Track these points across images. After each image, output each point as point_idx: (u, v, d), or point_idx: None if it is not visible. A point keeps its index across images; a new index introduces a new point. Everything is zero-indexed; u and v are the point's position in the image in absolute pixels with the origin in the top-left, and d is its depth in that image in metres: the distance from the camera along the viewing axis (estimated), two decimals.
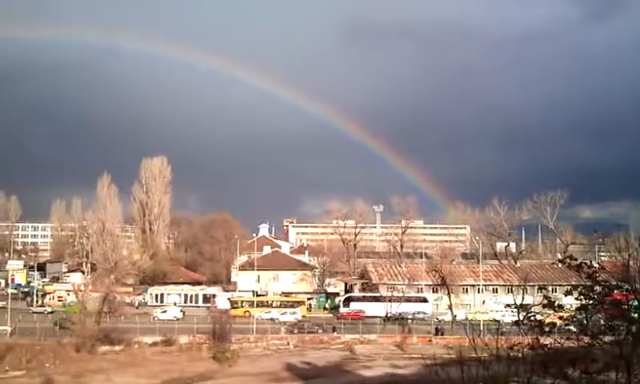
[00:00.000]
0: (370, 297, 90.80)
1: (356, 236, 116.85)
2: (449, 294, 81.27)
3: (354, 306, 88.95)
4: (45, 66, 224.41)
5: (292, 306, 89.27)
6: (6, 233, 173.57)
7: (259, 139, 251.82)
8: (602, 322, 13.27)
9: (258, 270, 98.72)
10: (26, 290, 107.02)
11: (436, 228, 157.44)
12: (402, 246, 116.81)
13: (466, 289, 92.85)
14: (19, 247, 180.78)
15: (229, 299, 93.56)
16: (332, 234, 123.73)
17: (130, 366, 54.87)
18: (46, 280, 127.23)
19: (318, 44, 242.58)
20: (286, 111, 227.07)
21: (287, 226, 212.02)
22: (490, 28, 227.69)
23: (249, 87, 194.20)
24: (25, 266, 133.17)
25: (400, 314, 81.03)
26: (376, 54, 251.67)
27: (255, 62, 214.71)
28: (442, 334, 70.14)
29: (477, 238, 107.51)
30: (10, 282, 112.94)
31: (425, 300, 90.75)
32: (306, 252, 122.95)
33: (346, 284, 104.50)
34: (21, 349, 57.52)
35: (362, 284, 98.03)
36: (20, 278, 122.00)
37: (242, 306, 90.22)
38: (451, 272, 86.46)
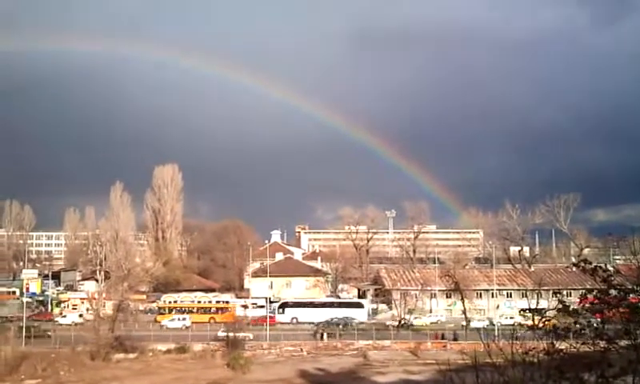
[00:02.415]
0: (303, 303, 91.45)
1: (368, 241, 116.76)
2: (462, 299, 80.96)
3: (289, 312, 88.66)
4: (57, 76, 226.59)
5: (210, 312, 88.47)
6: (21, 242, 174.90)
7: (271, 146, 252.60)
8: (618, 326, 13.18)
9: (270, 276, 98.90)
10: (41, 298, 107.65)
11: (449, 233, 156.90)
12: (414, 251, 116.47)
13: (480, 293, 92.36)
14: (34, 256, 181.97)
15: (157, 306, 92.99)
16: (344, 239, 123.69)
17: (145, 374, 55.05)
18: (61, 288, 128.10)
19: (328, 52, 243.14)
20: (297, 118, 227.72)
21: (299, 232, 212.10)
22: (500, 31, 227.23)
23: (260, 95, 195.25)
24: (39, 274, 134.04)
25: (326, 320, 79.69)
26: (386, 60, 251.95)
27: (266, 71, 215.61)
28: (457, 340, 69.83)
29: (490, 242, 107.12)
30: (24, 290, 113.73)
31: (360, 305, 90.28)
32: (319, 258, 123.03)
33: (358, 290, 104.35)
34: (36, 357, 57.89)
35: (375, 290, 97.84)
36: (35, 287, 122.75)
37: (170, 313, 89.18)
38: (464, 277, 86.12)
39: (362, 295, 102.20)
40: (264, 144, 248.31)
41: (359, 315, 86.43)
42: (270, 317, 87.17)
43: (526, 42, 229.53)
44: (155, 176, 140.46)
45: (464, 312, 79.64)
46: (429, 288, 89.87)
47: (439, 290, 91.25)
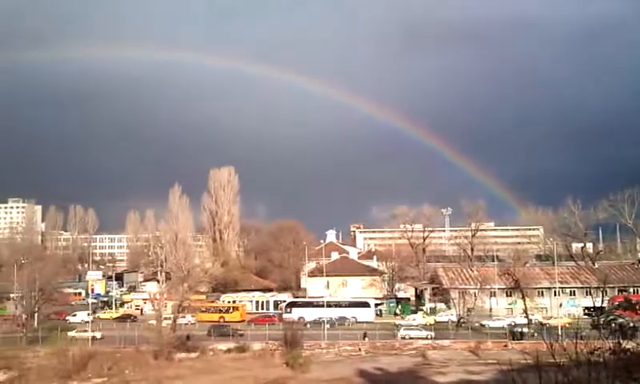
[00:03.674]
0: (310, 303, 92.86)
1: (424, 240, 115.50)
2: (523, 297, 79.28)
3: (296, 311, 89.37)
4: (118, 84, 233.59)
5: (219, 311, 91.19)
6: (85, 244, 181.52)
7: (325, 146, 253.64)
8: None
9: (326, 276, 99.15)
10: (105, 299, 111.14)
11: (507, 230, 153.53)
12: (472, 249, 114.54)
13: (542, 292, 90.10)
14: (97, 258, 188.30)
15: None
16: (400, 238, 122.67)
17: (206, 373, 56.10)
18: (124, 289, 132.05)
19: (381, 51, 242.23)
20: (352, 118, 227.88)
21: (354, 231, 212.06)
22: (559, 24, 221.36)
23: (315, 97, 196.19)
24: (103, 276, 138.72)
25: (326, 319, 79.91)
26: (441, 56, 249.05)
27: (321, 73, 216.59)
28: (520, 339, 68.41)
29: (551, 239, 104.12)
30: (90, 291, 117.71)
31: (367, 305, 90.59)
32: (374, 257, 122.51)
33: (416, 289, 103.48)
34: (102, 356, 59.87)
35: (433, 289, 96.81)
36: (99, 288, 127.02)
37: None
38: (525, 274, 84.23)
39: (419, 294, 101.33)
40: (319, 144, 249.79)
41: (366, 315, 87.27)
42: (270, 317, 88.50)
43: (587, 35, 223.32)
44: (211, 178, 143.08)
45: (525, 311, 77.94)
46: (488, 286, 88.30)
47: (499, 289, 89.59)
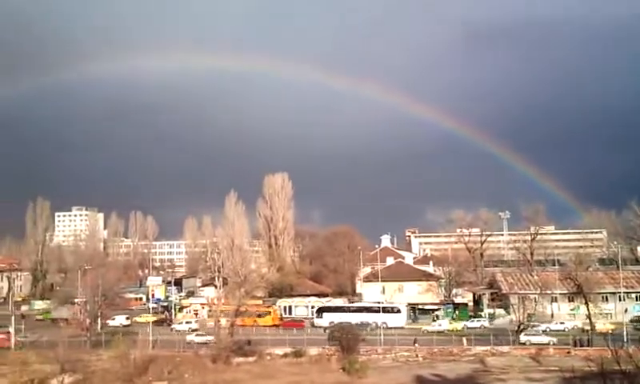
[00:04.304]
0: (340, 308, 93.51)
1: (482, 244, 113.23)
2: (586, 302, 76.71)
3: (326, 316, 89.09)
4: (174, 94, 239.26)
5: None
6: (145, 251, 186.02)
7: (379, 150, 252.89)
8: None
9: (382, 281, 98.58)
10: (165, 304, 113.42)
11: (569, 233, 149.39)
12: (532, 254, 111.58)
13: (606, 297, 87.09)
14: (157, 264, 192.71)
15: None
16: (456, 243, 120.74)
17: (264, 377, 56.51)
18: (183, 294, 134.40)
19: (436, 52, 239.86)
20: (406, 121, 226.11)
21: (409, 236, 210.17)
22: (618, 22, 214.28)
23: (369, 101, 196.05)
24: (163, 281, 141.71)
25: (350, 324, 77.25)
26: (495, 57, 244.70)
27: (374, 77, 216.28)
28: (582, 346, 66.27)
29: (615, 242, 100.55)
30: (150, 297, 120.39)
31: (397, 311, 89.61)
32: (430, 262, 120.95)
33: (474, 294, 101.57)
34: (162, 360, 61.11)
35: (491, 294, 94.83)
36: (159, 293, 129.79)
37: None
38: (588, 279, 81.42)
39: (477, 300, 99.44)
40: (373, 149, 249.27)
41: (396, 320, 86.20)
42: (299, 322, 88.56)
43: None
44: (266, 185, 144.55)
45: (588, 316, 75.46)
46: (549, 292, 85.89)
47: (560, 294, 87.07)
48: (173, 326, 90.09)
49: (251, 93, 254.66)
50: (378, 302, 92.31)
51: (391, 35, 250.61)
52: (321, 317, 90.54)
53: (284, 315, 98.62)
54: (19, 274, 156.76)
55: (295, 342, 70.82)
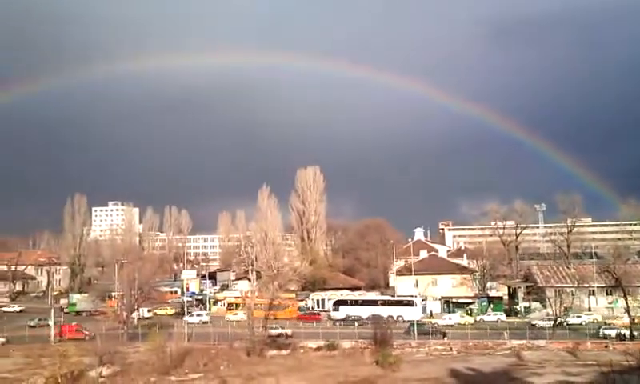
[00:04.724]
0: (357, 301, 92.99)
1: (517, 237, 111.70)
2: (625, 296, 75.13)
3: (343, 309, 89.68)
4: (209, 90, 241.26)
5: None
6: (180, 245, 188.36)
7: (411, 143, 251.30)
8: None
9: (415, 274, 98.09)
10: (200, 297, 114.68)
11: (606, 225, 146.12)
12: (568, 246, 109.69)
13: None
14: (192, 258, 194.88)
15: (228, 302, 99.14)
16: (491, 235, 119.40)
17: (297, 370, 56.72)
18: (217, 288, 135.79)
19: (468, 44, 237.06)
20: (440, 113, 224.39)
21: (443, 229, 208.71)
22: None
23: (400, 93, 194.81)
24: (197, 275, 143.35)
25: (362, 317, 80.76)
26: (527, 50, 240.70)
27: (407, 70, 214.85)
28: (622, 339, 64.99)
29: None
30: (185, 290, 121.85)
31: (412, 304, 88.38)
32: (464, 255, 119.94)
33: (509, 287, 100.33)
34: (198, 353, 61.85)
35: (527, 287, 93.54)
36: (194, 287, 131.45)
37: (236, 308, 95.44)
38: (626, 272, 79.67)
39: (512, 293, 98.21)
40: (405, 142, 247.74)
41: (412, 314, 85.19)
42: (314, 314, 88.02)
43: None
44: (298, 178, 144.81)
45: (627, 310, 73.91)
46: (586, 285, 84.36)
47: (598, 287, 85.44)
48: (184, 319, 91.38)
49: (284, 88, 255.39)
50: (412, 295, 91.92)
51: (424, 30, 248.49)
52: (337, 310, 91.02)
53: (317, 309, 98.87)
54: (58, 268, 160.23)
55: (328, 335, 71.03)
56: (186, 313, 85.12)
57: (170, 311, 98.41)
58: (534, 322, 79.84)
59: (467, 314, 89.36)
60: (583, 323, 78.22)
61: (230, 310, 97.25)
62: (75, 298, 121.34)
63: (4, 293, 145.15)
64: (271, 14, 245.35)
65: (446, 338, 69.17)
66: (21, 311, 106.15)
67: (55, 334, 74.10)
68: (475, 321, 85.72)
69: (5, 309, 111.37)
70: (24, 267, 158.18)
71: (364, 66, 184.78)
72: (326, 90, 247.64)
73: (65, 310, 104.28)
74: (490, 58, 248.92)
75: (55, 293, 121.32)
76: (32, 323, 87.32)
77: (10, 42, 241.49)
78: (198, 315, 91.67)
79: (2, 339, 74.20)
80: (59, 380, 50.20)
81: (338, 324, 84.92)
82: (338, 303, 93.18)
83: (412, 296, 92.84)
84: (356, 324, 79.97)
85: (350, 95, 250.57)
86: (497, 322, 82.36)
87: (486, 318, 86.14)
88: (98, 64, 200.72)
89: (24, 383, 51.79)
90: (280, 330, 73.12)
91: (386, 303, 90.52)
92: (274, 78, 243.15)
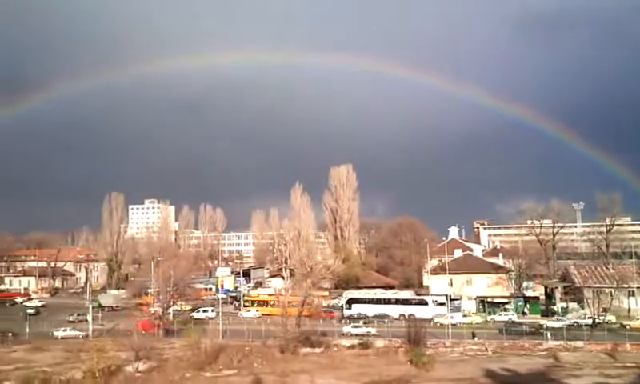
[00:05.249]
0: (369, 299, 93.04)
1: (554, 236, 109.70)
2: None
3: (355, 307, 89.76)
4: (240, 88, 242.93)
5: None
6: (215, 242, 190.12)
7: (446, 141, 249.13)
8: None
9: (449, 273, 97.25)
10: (234, 294, 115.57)
11: None
12: (607, 246, 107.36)
13: None
14: (226, 255, 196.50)
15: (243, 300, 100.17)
16: (527, 234, 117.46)
17: (331, 368, 56.75)
18: (251, 285, 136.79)
19: (503, 41, 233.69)
20: (475, 112, 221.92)
21: (478, 227, 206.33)
22: None
23: (435, 92, 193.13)
24: (232, 272, 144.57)
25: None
26: (561, 44, 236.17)
27: (441, 67, 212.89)
28: None
29: None
30: (220, 287, 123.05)
31: (425, 303, 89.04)
32: (500, 254, 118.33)
33: (545, 288, 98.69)
34: (232, 349, 62.35)
35: (564, 287, 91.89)
36: (229, 284, 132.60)
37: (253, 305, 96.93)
38: None
39: (549, 293, 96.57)
40: (439, 140, 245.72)
41: (424, 312, 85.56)
42: (330, 312, 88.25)
43: None
44: (331, 176, 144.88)
45: None
46: (625, 285, 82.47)
47: (638, 288, 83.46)
48: (191, 314, 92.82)
49: (317, 87, 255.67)
50: (445, 295, 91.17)
51: (458, 24, 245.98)
52: (349, 307, 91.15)
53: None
54: (96, 264, 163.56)
55: (361, 334, 70.95)
56: (220, 310, 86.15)
57: (186, 307, 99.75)
58: (541, 323, 78.63)
59: (503, 312, 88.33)
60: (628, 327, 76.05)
61: (245, 307, 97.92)
62: (112, 294, 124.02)
63: (45, 289, 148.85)
64: (304, 12, 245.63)
65: (475, 338, 68.43)
66: (42, 306, 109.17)
67: (134, 328, 75.82)
68: (486, 321, 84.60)
69: (26, 304, 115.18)
70: (63, 264, 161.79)
71: (395, 63, 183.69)
72: (358, 88, 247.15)
73: (89, 305, 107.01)
74: (525, 55, 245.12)
75: (94, 289, 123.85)
76: (71, 318, 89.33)
77: (49, 42, 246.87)
78: (204, 311, 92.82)
79: (82, 333, 75.70)
80: (97, 374, 51.20)
81: (348, 321, 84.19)
82: (350, 301, 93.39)
83: (424, 295, 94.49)
84: (361, 322, 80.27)
85: (383, 93, 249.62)
86: (508, 321, 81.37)
87: (497, 317, 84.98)
88: (132, 63, 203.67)
89: (63, 377, 52.83)
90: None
91: (398, 302, 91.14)
92: (309, 77, 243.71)
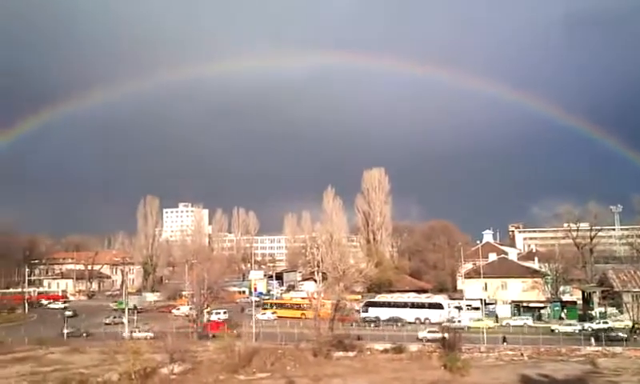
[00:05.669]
0: (386, 303, 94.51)
1: (592, 240, 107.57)
2: None
3: (372, 311, 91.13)
4: (271, 93, 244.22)
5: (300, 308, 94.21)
6: (248, 245, 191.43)
7: (479, 143, 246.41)
8: None
9: (484, 277, 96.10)
10: (267, 297, 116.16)
11: None
12: None
13: None
14: (259, 258, 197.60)
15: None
16: (563, 238, 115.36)
17: (364, 373, 56.56)
18: (283, 288, 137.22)
19: (540, 41, 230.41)
20: (509, 112, 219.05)
21: (513, 231, 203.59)
22: None
23: (468, 94, 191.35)
24: (264, 275, 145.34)
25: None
26: (606, 47, 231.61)
27: (476, 69, 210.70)
28: None
29: None
30: (253, 290, 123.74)
31: (440, 306, 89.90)
32: (536, 258, 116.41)
33: (583, 292, 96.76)
34: (265, 352, 62.60)
35: (602, 292, 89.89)
36: (262, 287, 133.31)
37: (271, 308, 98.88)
38: None
39: (587, 298, 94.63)
40: (472, 142, 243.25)
41: (439, 316, 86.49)
42: (347, 316, 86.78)
43: None
44: (364, 180, 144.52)
45: None
46: None
47: None
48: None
49: (350, 90, 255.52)
50: (480, 300, 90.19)
51: (493, 28, 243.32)
52: (366, 311, 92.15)
53: None
54: (131, 267, 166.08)
55: (395, 338, 70.60)
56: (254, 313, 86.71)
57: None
58: (553, 328, 78.52)
59: (539, 318, 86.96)
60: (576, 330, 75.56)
61: (264, 309, 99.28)
62: (147, 296, 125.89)
63: (83, 291, 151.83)
64: (344, 14, 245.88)
65: (505, 343, 67.50)
66: (64, 308, 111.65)
67: (204, 330, 77.10)
68: (501, 325, 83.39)
69: (51, 306, 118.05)
70: (100, 266, 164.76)
71: (432, 65, 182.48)
72: (393, 91, 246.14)
73: (114, 307, 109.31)
74: (563, 56, 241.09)
75: (130, 291, 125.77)
76: (107, 320, 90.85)
77: (89, 45, 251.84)
78: (217, 313, 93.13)
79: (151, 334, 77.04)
80: (132, 376, 51.91)
81: (367, 324, 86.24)
82: (368, 304, 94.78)
83: (437, 297, 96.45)
84: (372, 325, 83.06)
85: (419, 95, 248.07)
86: (522, 326, 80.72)
87: (512, 322, 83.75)
88: (169, 67, 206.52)
89: (100, 379, 53.70)
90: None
91: (414, 305, 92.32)
92: (341, 80, 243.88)
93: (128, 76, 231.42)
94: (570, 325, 79.61)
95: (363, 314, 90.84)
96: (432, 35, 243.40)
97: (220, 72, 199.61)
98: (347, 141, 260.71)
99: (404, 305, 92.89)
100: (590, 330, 74.99)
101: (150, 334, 76.21)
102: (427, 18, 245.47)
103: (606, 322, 77.62)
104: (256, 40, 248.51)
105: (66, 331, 79.68)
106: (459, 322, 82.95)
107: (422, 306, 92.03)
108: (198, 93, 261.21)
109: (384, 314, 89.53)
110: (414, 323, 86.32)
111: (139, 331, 78.58)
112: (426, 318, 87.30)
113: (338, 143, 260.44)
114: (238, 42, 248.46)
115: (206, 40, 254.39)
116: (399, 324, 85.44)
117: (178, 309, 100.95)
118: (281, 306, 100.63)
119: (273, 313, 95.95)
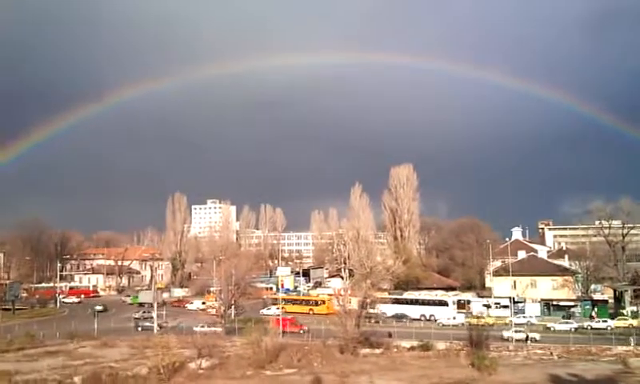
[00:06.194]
0: (402, 300, 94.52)
1: (624, 237, 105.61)
2: None
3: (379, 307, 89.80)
4: (301, 89, 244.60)
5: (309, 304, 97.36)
6: (275, 242, 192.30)
7: (508, 139, 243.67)
8: None
9: (513, 275, 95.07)
10: (294, 294, 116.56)
11: None
12: None
13: None
14: (286, 255, 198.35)
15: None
16: (595, 235, 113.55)
17: (390, 370, 56.38)
18: (310, 285, 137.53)
19: (567, 36, 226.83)
20: (538, 109, 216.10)
21: (542, 228, 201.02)
22: None
23: (493, 87, 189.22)
24: (291, 272, 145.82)
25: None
26: (633, 41, 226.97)
27: (503, 63, 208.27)
28: None
29: None
30: (280, 286, 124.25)
31: (445, 304, 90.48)
32: (566, 256, 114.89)
33: (614, 290, 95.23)
34: (292, 348, 62.82)
35: (634, 290, 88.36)
36: (288, 283, 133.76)
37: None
38: None
39: (618, 296, 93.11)
40: (501, 138, 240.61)
41: (444, 314, 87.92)
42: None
43: None
44: (392, 176, 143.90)
45: None
46: None
47: None
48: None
49: (378, 87, 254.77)
50: (509, 298, 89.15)
51: (530, 23, 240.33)
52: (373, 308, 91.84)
53: None
54: (160, 263, 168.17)
55: (421, 335, 70.30)
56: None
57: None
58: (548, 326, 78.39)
59: (570, 316, 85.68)
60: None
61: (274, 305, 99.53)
62: (176, 292, 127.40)
63: (112, 286, 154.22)
64: (372, 14, 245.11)
65: (528, 342, 66.74)
66: (79, 302, 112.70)
67: (273, 326, 77.68)
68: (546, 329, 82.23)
69: (65, 300, 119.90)
70: (129, 262, 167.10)
71: (463, 63, 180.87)
72: (420, 87, 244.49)
73: (129, 302, 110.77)
74: (591, 50, 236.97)
75: (159, 287, 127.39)
76: (137, 315, 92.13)
77: (114, 44, 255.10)
78: (268, 309, 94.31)
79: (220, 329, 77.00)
80: (161, 370, 52.54)
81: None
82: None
83: (441, 295, 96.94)
84: (372, 320, 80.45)
85: (449, 92, 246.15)
86: (527, 323, 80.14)
87: (516, 320, 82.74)
88: (199, 65, 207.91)
89: (129, 372, 54.45)
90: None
91: (418, 302, 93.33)
92: (368, 77, 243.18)
93: (164, 72, 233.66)
94: (567, 323, 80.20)
95: (371, 311, 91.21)
96: (464, 34, 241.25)
97: (259, 67, 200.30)
98: (376, 137, 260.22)
99: (409, 302, 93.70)
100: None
101: (218, 329, 76.22)
102: (450, 17, 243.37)
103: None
104: (280, 36, 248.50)
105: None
106: (454, 319, 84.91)
107: (427, 303, 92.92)
108: (229, 89, 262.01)
109: (390, 310, 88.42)
110: (419, 320, 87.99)
111: (168, 325, 79.49)
112: (431, 315, 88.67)
113: (365, 139, 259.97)
114: (263, 38, 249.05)
115: (232, 37, 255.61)
116: (404, 320, 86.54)
117: (192, 303, 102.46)
118: (290, 301, 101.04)
119: (277, 308, 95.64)
